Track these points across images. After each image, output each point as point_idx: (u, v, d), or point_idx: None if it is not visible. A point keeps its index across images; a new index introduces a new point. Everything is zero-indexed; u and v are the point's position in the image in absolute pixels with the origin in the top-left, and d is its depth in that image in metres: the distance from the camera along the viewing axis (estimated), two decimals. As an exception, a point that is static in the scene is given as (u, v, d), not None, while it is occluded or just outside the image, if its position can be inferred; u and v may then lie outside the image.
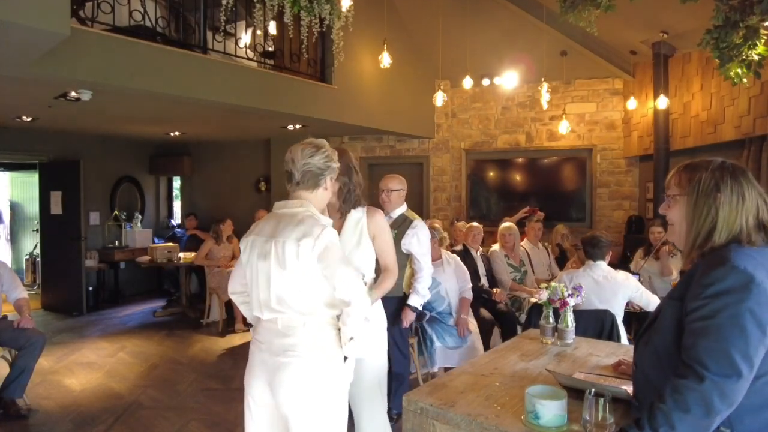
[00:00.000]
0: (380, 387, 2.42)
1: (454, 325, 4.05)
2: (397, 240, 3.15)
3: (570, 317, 2.44)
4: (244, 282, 2.06)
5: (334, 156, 2.04)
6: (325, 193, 2.04)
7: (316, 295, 1.90)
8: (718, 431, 1.30)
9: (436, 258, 4.03)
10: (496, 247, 5.23)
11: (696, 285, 1.34)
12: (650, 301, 3.49)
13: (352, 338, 1.89)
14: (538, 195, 7.61)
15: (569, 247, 5.99)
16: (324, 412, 1.90)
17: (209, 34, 4.93)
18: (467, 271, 4.28)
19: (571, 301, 2.49)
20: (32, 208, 8.33)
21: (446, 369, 4.12)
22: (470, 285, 4.23)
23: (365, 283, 2.31)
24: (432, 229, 4.12)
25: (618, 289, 3.47)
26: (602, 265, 3.55)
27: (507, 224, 5.29)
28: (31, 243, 8.75)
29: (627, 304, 3.63)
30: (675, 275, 4.55)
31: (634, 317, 4.15)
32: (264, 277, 1.92)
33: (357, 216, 2.45)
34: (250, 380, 2.00)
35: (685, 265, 1.51)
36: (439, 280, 4.01)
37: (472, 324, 4.17)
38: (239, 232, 6.87)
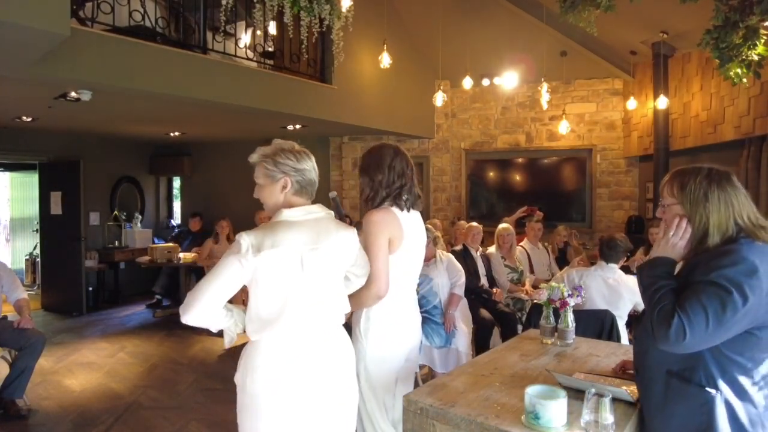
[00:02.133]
0: (384, 384, 2.30)
1: (443, 322, 4.06)
2: None
3: (570, 317, 2.44)
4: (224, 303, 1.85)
5: None
6: None
7: (344, 293, 2.03)
8: (704, 391, 1.47)
9: (429, 257, 4.11)
10: (492, 249, 5.24)
11: (704, 265, 1.47)
12: None
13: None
14: (538, 195, 7.60)
15: (577, 246, 5.99)
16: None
17: (209, 35, 4.93)
18: (461, 269, 4.27)
19: (571, 301, 2.49)
20: (32, 208, 8.33)
21: (421, 367, 4.13)
22: (462, 281, 4.20)
23: None
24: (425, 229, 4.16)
25: (626, 293, 3.48)
26: (614, 268, 3.56)
27: (504, 225, 5.30)
28: (30, 243, 8.75)
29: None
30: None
31: (636, 320, 4.15)
32: (312, 287, 1.84)
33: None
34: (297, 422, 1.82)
35: (687, 260, 1.61)
36: (431, 276, 4.06)
37: (464, 327, 4.14)
38: (236, 232, 6.87)
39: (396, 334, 2.30)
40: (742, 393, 1.47)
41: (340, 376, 1.92)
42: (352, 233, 1.99)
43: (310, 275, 1.82)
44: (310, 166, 1.93)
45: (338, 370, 1.92)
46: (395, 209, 2.26)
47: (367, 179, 2.29)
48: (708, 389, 1.47)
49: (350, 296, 2.13)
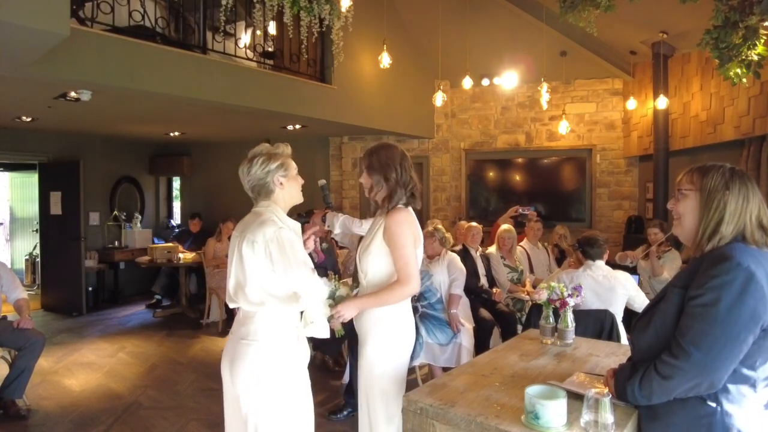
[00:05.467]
0: (397, 387, 2.30)
1: (446, 320, 4.08)
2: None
3: (570, 317, 2.44)
4: None
5: (272, 157, 2.09)
6: (284, 190, 2.11)
7: (266, 289, 2.00)
8: (705, 404, 1.46)
9: (433, 255, 4.23)
10: (492, 249, 5.23)
11: (701, 276, 1.46)
12: (642, 304, 3.50)
13: (312, 322, 2.09)
14: (537, 195, 7.61)
15: (567, 248, 5.98)
16: (277, 396, 2.02)
17: (209, 35, 4.93)
18: (463, 269, 4.29)
19: (571, 301, 2.49)
20: (32, 208, 8.33)
21: (421, 367, 4.18)
22: (460, 281, 4.22)
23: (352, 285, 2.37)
24: (434, 229, 4.21)
25: (618, 288, 3.48)
26: (601, 265, 3.57)
27: (506, 227, 5.28)
28: (30, 243, 8.75)
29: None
30: (666, 275, 4.54)
31: (634, 317, 4.15)
32: (231, 269, 2.06)
33: (379, 219, 2.32)
34: (221, 365, 2.12)
35: (693, 253, 1.62)
36: (431, 273, 4.14)
37: (466, 323, 4.18)
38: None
39: (408, 335, 2.34)
40: (743, 402, 1.46)
41: (228, 373, 2.06)
42: (267, 232, 1.98)
43: (232, 257, 2.06)
44: (242, 172, 2.11)
45: (227, 364, 2.07)
46: (410, 208, 2.32)
47: (380, 177, 2.29)
48: (709, 402, 1.46)
49: (375, 293, 2.23)
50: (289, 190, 2.12)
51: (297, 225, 2.12)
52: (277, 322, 2.03)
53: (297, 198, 2.18)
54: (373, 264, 2.29)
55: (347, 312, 2.17)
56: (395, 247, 2.21)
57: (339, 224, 3.17)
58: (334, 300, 2.19)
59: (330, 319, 2.17)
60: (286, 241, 1.98)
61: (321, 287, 2.10)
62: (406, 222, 2.25)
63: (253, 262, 1.98)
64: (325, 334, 2.12)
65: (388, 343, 2.27)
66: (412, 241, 2.25)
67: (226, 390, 2.11)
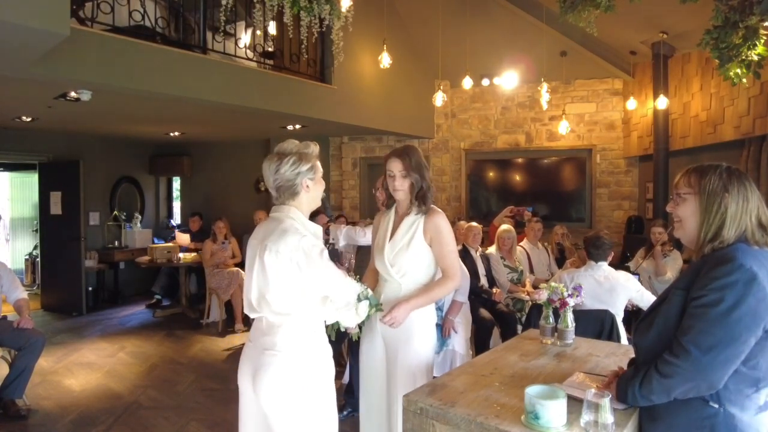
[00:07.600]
0: (425, 378, 2.39)
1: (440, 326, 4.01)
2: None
3: (570, 317, 2.44)
4: None
5: (302, 158, 1.99)
6: (309, 194, 2.02)
7: (292, 299, 1.92)
8: (708, 405, 1.46)
9: None
10: (492, 249, 5.22)
11: (703, 277, 1.46)
12: (649, 302, 3.49)
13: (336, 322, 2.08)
14: (537, 195, 7.62)
15: (570, 247, 5.98)
16: (304, 408, 1.93)
17: (209, 35, 4.93)
18: (467, 275, 4.21)
19: (571, 301, 2.49)
20: (32, 208, 8.32)
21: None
22: (465, 288, 4.12)
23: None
24: None
25: (619, 289, 3.48)
26: (603, 266, 3.57)
27: (506, 227, 5.28)
28: (30, 243, 8.74)
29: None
30: (669, 275, 4.55)
31: (634, 317, 4.15)
32: (251, 278, 1.97)
33: (412, 218, 2.39)
34: (239, 375, 2.05)
35: (696, 256, 1.61)
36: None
37: (462, 330, 4.11)
38: (237, 232, 6.88)
39: (431, 319, 2.51)
40: (745, 403, 1.46)
41: (250, 385, 1.96)
42: (290, 241, 1.88)
43: (253, 265, 1.97)
44: (263, 175, 2.03)
45: (249, 376, 1.97)
46: None
47: (418, 177, 2.38)
48: (711, 403, 1.46)
49: (424, 292, 2.34)
50: (313, 193, 2.04)
51: (318, 228, 2.05)
52: (303, 332, 1.95)
53: (318, 201, 2.09)
54: (413, 263, 2.37)
55: (402, 316, 2.25)
56: (443, 245, 2.36)
57: (343, 236, 3.18)
58: (370, 302, 2.15)
59: (366, 322, 2.19)
60: (311, 248, 1.90)
61: (353, 285, 2.06)
62: (447, 222, 2.41)
63: (276, 270, 1.89)
64: (352, 324, 2.12)
65: (430, 334, 2.45)
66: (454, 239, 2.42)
67: (246, 400, 2.01)
